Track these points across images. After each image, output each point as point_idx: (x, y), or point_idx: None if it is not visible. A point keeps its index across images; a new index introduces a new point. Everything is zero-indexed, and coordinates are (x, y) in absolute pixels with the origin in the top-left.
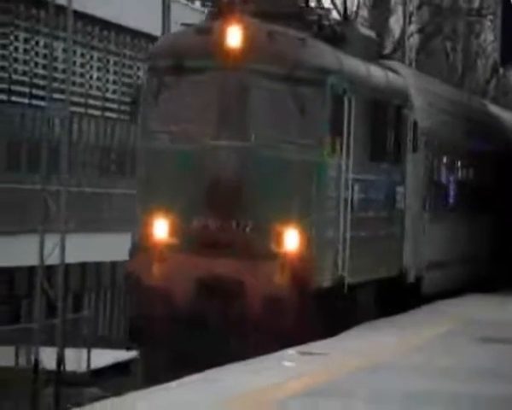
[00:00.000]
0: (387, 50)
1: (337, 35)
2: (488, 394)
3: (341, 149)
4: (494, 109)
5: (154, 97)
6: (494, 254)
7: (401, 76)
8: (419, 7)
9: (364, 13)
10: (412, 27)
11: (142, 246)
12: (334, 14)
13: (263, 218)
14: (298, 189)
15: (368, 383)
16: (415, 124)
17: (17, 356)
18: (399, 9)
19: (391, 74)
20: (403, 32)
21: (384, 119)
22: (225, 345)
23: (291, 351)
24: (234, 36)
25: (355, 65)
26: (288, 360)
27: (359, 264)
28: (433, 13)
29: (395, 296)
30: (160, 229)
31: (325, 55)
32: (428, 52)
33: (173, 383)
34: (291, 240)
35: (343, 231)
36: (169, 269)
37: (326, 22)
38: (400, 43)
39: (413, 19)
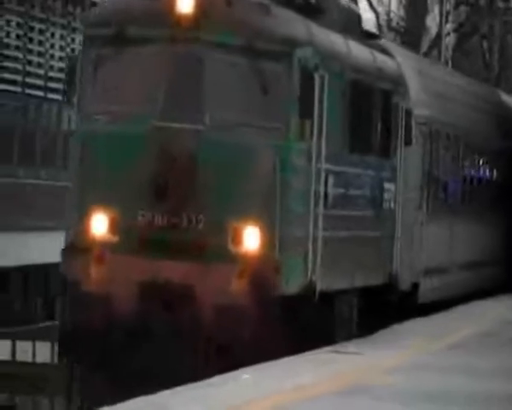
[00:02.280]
0: (424, 49)
1: (311, 5)
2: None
3: (311, 134)
4: (509, 99)
5: (90, 72)
6: (503, 257)
7: (393, 57)
8: (456, 6)
9: (401, 12)
10: (448, 26)
11: (77, 245)
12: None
13: (218, 213)
14: (259, 178)
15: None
16: (409, 112)
17: (53, 352)
18: (436, 8)
19: (379, 54)
20: (439, 30)
21: (369, 104)
22: (172, 361)
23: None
24: (185, 1)
25: (330, 38)
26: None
27: (335, 268)
28: (469, 12)
29: (385, 306)
30: (99, 225)
31: (292, 24)
32: (465, 51)
33: None
34: (251, 238)
35: (313, 229)
36: (109, 272)
37: None
38: (436, 42)
39: (450, 18)
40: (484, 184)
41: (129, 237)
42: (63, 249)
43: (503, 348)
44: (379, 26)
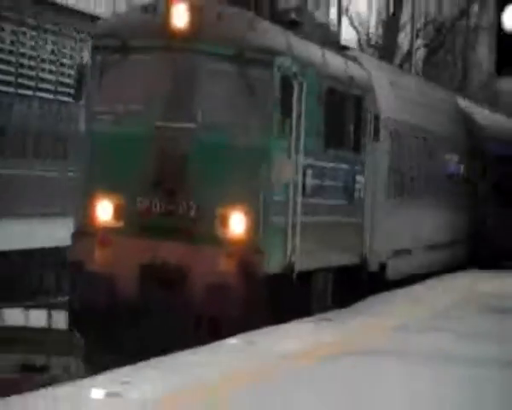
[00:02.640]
0: (397, 62)
1: (291, 19)
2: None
3: (291, 132)
4: (464, 103)
5: (98, 78)
6: (466, 237)
7: (364, 67)
8: (425, 25)
9: (379, 31)
10: (419, 42)
11: (85, 230)
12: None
13: (207, 201)
14: (244, 171)
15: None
16: (377, 114)
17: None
18: (408, 27)
19: (351, 64)
20: (410, 47)
21: (342, 107)
22: (169, 334)
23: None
24: (180, 15)
25: (307, 49)
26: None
27: (312, 251)
28: (436, 30)
29: (357, 284)
30: (104, 212)
31: (274, 36)
32: (433, 64)
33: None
34: (237, 224)
35: (293, 215)
36: (112, 254)
37: (280, 7)
38: (408, 57)
39: (420, 34)
40: (445, 175)
41: (130, 223)
42: (73, 234)
43: (482, 315)
44: (360, 43)
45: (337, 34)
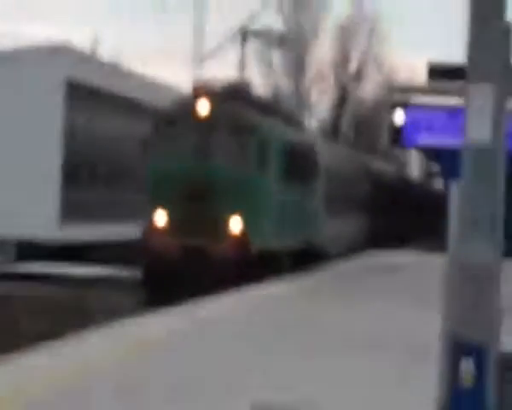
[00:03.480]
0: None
1: (268, 108)
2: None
3: (266, 171)
4: (364, 158)
5: (158, 138)
6: (365, 231)
7: (313, 137)
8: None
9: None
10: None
11: (152, 226)
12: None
13: (220, 212)
14: (240, 194)
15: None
16: (317, 163)
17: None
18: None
19: (305, 135)
20: (339, 126)
21: (298, 159)
22: (198, 282)
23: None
24: (201, 105)
25: (275, 124)
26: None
27: (279, 239)
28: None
29: (305, 258)
30: (161, 218)
31: (254, 117)
32: (358, 137)
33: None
34: (235, 226)
35: (268, 219)
36: (167, 240)
37: (260, 100)
38: (337, 133)
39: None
40: (355, 197)
41: (175, 225)
42: (143, 231)
43: (374, 272)
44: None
45: (298, 118)
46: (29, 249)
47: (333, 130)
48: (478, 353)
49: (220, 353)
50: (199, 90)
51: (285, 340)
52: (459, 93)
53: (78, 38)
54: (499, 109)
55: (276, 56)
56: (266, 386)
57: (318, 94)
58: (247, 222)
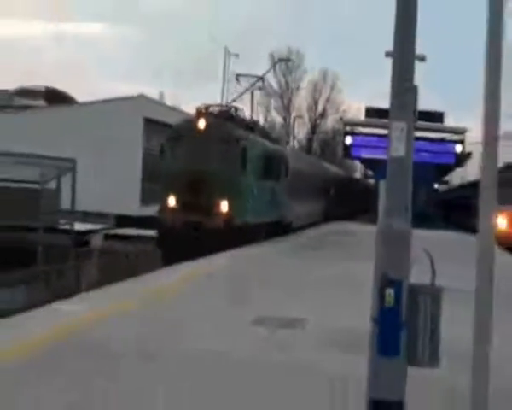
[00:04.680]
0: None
1: (249, 126)
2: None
3: (248, 172)
4: (322, 163)
5: (169, 146)
6: (322, 211)
7: (285, 149)
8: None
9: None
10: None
11: (163, 208)
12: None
13: (213, 197)
14: (228, 186)
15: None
16: (288, 165)
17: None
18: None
19: (278, 147)
20: (311, 142)
21: (272, 163)
22: (199, 245)
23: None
24: (200, 123)
25: (254, 138)
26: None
27: (257, 215)
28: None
29: (277, 230)
30: (171, 201)
31: (239, 132)
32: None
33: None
34: (224, 207)
35: (247, 203)
36: (175, 217)
37: (244, 121)
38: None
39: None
40: (316, 190)
41: (182, 206)
42: (158, 210)
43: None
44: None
45: (274, 135)
46: (123, 220)
47: (307, 148)
48: (397, 284)
49: (236, 280)
50: (200, 112)
51: (274, 281)
52: (385, 126)
53: (148, 91)
54: (409, 137)
55: (272, 102)
56: (268, 299)
57: (298, 126)
58: (231, 205)
